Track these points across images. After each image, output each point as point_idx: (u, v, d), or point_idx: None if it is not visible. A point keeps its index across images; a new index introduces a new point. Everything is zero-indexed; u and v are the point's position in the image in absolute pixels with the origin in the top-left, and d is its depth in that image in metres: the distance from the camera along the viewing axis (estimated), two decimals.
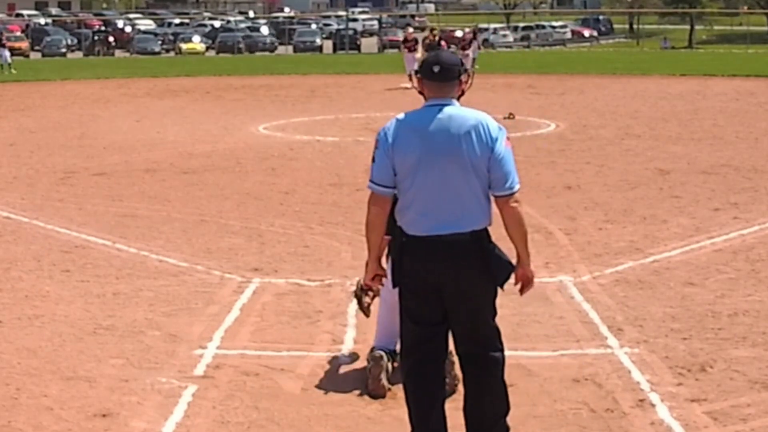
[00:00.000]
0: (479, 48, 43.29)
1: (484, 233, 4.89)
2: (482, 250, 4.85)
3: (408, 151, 4.83)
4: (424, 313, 4.99)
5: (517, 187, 4.86)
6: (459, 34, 71.21)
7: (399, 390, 6.13)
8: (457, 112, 4.88)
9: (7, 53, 42.76)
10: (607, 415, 5.72)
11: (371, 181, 4.95)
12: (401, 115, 4.95)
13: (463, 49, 32.97)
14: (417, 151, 4.81)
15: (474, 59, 39.25)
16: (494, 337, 5.03)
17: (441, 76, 4.90)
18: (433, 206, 4.83)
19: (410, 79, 28.90)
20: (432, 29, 25.89)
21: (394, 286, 5.05)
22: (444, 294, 4.91)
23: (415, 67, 5.70)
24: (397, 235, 5.02)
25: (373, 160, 4.93)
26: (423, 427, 5.06)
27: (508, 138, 4.91)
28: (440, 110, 4.87)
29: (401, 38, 33.38)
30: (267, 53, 61.17)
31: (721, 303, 7.87)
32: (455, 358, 5.38)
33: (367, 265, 5.19)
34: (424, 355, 5.04)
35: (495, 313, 5.03)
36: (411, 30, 33.58)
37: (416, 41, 31.20)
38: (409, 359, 5.09)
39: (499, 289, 5.01)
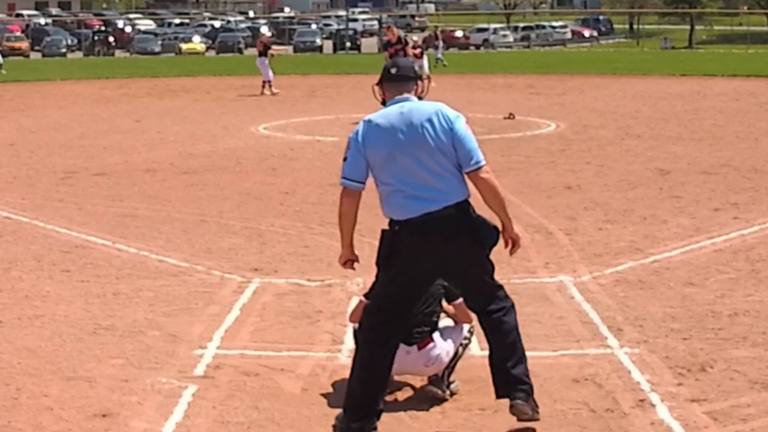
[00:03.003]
0: (436, 48, 46.76)
1: (467, 204, 5.33)
2: (469, 218, 5.30)
3: (379, 146, 5.32)
4: (398, 300, 5.42)
5: (483, 161, 5.32)
6: (459, 34, 71.35)
7: (398, 390, 6.13)
8: (417, 105, 5.43)
9: None
10: (607, 415, 5.72)
11: (344, 177, 5.40)
12: (368, 117, 5.45)
13: (418, 50, 31.65)
14: (387, 144, 5.31)
15: (439, 59, 42.03)
16: (497, 289, 5.50)
17: (398, 78, 5.51)
18: (416, 188, 5.27)
19: (267, 86, 29.10)
20: (388, 26, 25.23)
21: (380, 273, 5.43)
22: (442, 269, 5.37)
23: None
24: (388, 228, 5.38)
25: (345, 159, 5.41)
26: (366, 395, 5.36)
27: (466, 122, 5.41)
28: (401, 106, 5.42)
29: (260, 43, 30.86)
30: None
31: (721, 303, 7.86)
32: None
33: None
34: (386, 320, 5.41)
35: (492, 268, 5.47)
36: (268, 34, 33.49)
37: (267, 47, 29.89)
38: (371, 319, 5.47)
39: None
